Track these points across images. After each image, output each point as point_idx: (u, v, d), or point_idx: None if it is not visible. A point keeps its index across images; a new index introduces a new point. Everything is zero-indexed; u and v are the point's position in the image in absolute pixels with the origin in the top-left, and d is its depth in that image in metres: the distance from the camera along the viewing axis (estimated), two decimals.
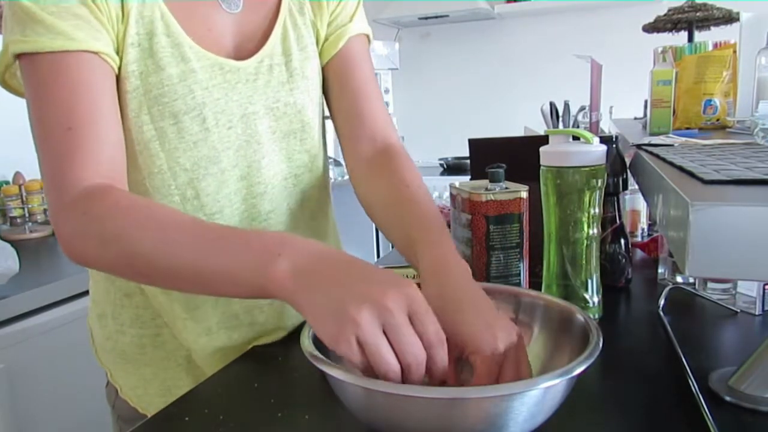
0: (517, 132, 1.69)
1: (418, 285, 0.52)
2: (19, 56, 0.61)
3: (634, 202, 1.19)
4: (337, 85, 0.82)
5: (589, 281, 0.76)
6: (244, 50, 0.73)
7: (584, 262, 0.75)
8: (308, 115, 0.78)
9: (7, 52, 0.61)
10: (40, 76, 0.61)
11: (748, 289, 0.81)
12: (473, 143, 1.04)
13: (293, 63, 0.75)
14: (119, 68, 0.65)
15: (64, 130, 0.60)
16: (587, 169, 0.72)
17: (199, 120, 0.68)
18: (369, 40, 0.85)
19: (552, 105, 1.86)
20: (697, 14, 1.64)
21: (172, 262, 0.55)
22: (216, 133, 0.69)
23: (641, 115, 1.58)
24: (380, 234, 2.68)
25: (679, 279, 0.93)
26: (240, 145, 0.72)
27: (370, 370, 0.46)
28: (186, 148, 0.68)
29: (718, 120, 1.15)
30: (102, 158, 0.61)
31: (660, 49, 1.39)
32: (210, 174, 0.70)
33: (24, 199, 1.76)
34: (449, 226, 0.95)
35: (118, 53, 0.65)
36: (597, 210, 0.75)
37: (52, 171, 0.60)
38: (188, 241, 0.55)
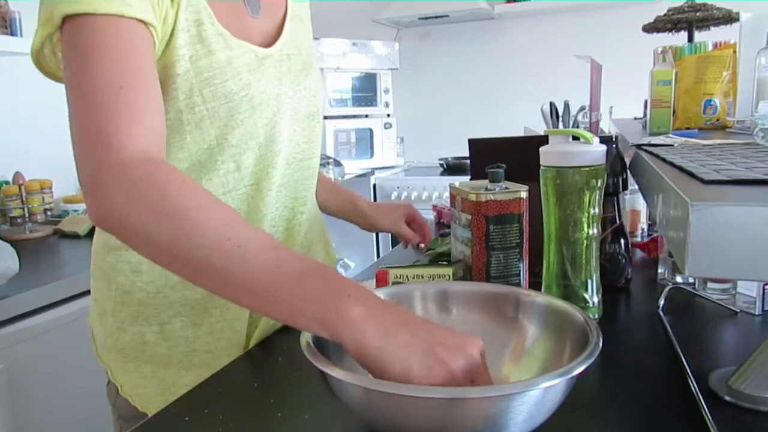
0: (517, 132, 1.69)
1: None
2: (65, 20, 0.59)
3: (634, 202, 1.19)
4: None
5: (589, 281, 0.76)
6: (264, 46, 0.79)
7: (584, 262, 0.75)
8: (318, 103, 0.87)
9: (51, 17, 0.60)
10: (92, 37, 0.59)
11: (748, 289, 0.81)
12: (473, 143, 1.04)
13: (303, 56, 0.84)
14: (167, 51, 0.67)
15: (117, 88, 0.58)
16: (587, 169, 0.72)
17: (247, 99, 0.73)
18: None
19: (552, 105, 1.86)
20: (697, 14, 1.63)
21: (231, 266, 0.52)
22: (258, 111, 0.75)
23: (641, 115, 1.58)
24: (380, 234, 2.69)
25: (679, 279, 0.93)
26: (272, 122, 0.78)
27: None
28: (235, 125, 0.73)
29: (718, 120, 1.15)
30: (151, 123, 0.61)
31: (660, 49, 1.38)
32: (249, 148, 0.76)
33: (24, 199, 1.76)
34: (449, 226, 0.95)
35: (169, 36, 0.67)
36: (597, 210, 0.75)
37: (96, 128, 0.57)
38: (256, 252, 0.53)
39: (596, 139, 0.74)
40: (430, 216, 1.53)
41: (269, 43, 0.79)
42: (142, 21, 0.61)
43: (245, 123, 0.74)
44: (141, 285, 0.76)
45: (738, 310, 0.81)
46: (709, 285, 0.87)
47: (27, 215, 1.76)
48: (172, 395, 0.72)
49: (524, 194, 0.77)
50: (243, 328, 0.80)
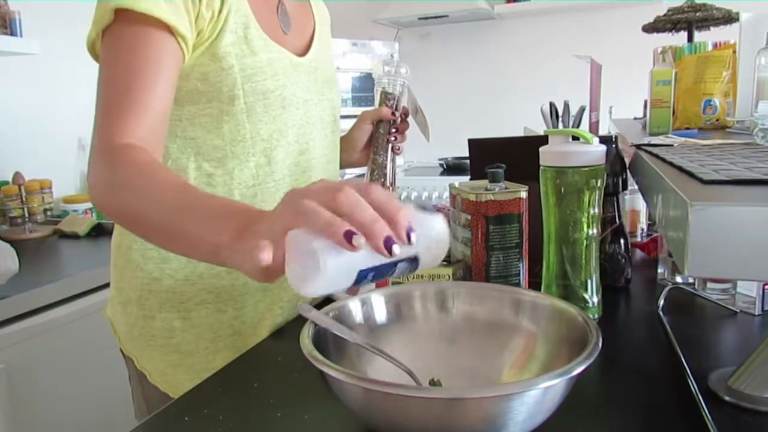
0: (517, 132, 1.69)
1: None
2: (115, 16, 0.68)
3: (634, 202, 1.19)
4: None
5: (589, 281, 0.76)
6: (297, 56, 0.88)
7: (584, 262, 0.75)
8: (338, 114, 0.95)
9: (107, 9, 0.68)
10: (125, 42, 0.69)
11: (748, 289, 0.81)
12: (473, 143, 1.04)
13: (326, 71, 0.93)
14: (213, 49, 0.75)
15: (124, 89, 0.68)
16: (587, 169, 0.72)
17: (280, 98, 0.81)
18: None
19: (552, 105, 1.85)
20: (697, 14, 1.64)
21: (153, 219, 0.60)
22: (288, 112, 0.83)
23: (641, 115, 1.58)
24: None
25: (678, 279, 0.93)
26: (300, 125, 0.86)
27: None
28: (267, 121, 0.81)
29: (717, 120, 1.15)
30: (145, 123, 0.68)
31: (660, 49, 1.39)
32: (280, 145, 0.83)
33: (24, 199, 1.76)
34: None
35: (217, 35, 0.74)
36: (597, 210, 0.75)
37: (101, 121, 0.68)
38: (168, 203, 0.59)
39: (596, 139, 0.74)
40: None
41: (300, 55, 0.87)
42: (169, 29, 0.69)
43: (276, 121, 0.81)
44: (169, 272, 0.81)
45: (738, 310, 0.81)
46: (709, 285, 0.87)
47: (27, 215, 1.76)
48: (201, 380, 0.73)
49: (524, 194, 0.77)
50: (266, 309, 0.84)
